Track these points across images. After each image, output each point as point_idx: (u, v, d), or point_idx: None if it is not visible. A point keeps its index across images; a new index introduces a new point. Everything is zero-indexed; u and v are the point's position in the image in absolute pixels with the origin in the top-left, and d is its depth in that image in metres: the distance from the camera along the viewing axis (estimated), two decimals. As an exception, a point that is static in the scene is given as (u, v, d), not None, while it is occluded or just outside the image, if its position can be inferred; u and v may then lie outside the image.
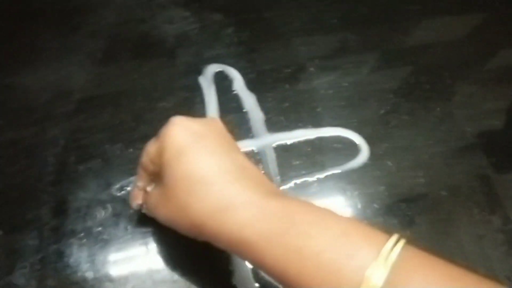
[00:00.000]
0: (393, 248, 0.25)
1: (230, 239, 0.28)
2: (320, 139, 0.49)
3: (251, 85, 0.51)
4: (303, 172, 0.47)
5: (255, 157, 0.47)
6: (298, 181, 0.46)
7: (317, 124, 0.50)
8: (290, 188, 0.46)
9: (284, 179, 0.46)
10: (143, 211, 0.37)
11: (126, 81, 0.50)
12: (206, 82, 0.51)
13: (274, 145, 0.48)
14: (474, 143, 0.50)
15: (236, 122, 0.48)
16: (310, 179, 0.46)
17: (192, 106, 0.49)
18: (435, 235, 0.45)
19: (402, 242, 0.26)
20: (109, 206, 0.41)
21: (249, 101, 0.50)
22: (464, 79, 0.55)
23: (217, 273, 0.39)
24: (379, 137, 0.50)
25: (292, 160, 0.47)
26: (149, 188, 0.36)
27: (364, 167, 0.48)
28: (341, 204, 0.46)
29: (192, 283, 0.38)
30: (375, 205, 0.46)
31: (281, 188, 0.45)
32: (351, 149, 0.49)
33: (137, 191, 0.36)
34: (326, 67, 0.54)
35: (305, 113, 0.50)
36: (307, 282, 0.25)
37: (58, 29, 0.53)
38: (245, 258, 0.30)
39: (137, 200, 0.36)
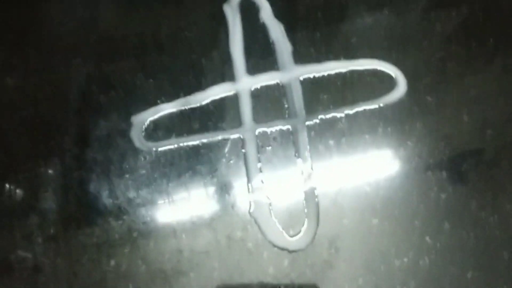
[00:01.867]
0: None
1: None
2: (352, 72, 0.45)
3: (280, 14, 0.47)
4: (331, 107, 0.44)
5: (280, 90, 0.44)
6: (325, 116, 0.43)
7: (351, 56, 0.46)
8: (316, 123, 0.43)
9: (310, 113, 0.43)
10: None
11: (150, 13, 0.48)
12: (232, 11, 0.48)
13: (301, 78, 0.45)
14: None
15: (261, 53, 0.46)
16: (338, 114, 0.43)
17: (217, 36, 0.47)
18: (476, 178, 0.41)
19: None
20: (129, 137, 0.41)
21: (276, 30, 0.47)
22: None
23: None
24: (420, 71, 0.45)
25: (320, 94, 0.44)
26: None
27: (400, 103, 0.44)
28: (370, 141, 0.43)
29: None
30: (409, 143, 0.42)
31: (306, 123, 0.43)
32: (387, 84, 0.45)
33: None
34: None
35: (338, 44, 0.46)
36: None
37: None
38: None
39: None
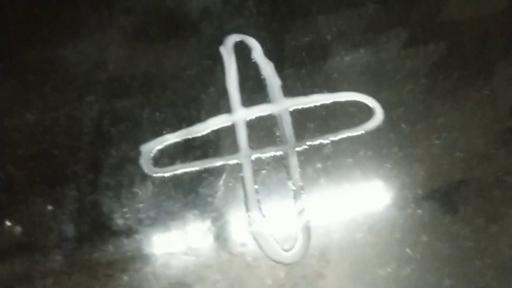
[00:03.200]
0: None
1: None
2: (335, 103, 0.51)
3: (269, 54, 0.54)
4: (317, 134, 0.49)
5: (272, 120, 0.50)
6: (312, 142, 0.49)
7: (333, 89, 0.52)
8: (304, 149, 0.48)
9: (299, 140, 0.49)
10: None
11: (155, 53, 0.54)
12: (227, 52, 0.54)
13: (290, 109, 0.50)
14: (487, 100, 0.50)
15: (254, 88, 0.51)
16: (324, 141, 0.49)
17: (214, 74, 0.52)
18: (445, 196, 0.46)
19: None
20: (137, 163, 0.46)
21: (267, 68, 0.53)
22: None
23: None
24: (394, 101, 0.51)
25: (307, 122, 0.50)
26: None
27: (378, 130, 0.49)
28: (353, 164, 0.48)
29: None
30: (388, 165, 0.48)
31: (296, 149, 0.48)
32: (366, 113, 0.50)
33: None
34: (343, 35, 0.55)
35: (321, 79, 0.52)
36: None
37: (95, 6, 0.58)
38: None
39: None
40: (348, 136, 0.49)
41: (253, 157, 0.48)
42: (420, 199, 0.47)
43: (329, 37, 0.55)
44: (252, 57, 0.53)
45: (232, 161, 0.47)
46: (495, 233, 0.45)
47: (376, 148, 0.49)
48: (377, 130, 0.49)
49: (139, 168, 0.45)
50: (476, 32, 0.55)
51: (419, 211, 0.46)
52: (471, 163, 0.48)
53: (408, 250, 0.45)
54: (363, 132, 0.49)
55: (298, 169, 0.47)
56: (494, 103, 0.51)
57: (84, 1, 0.55)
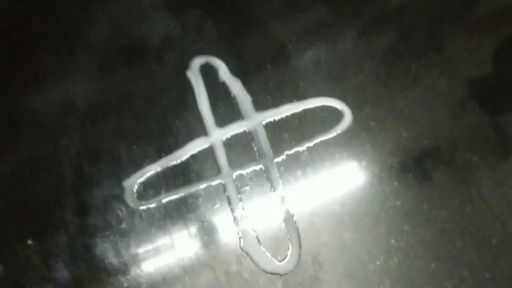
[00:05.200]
0: None
1: None
2: (305, 111, 0.53)
3: (236, 71, 0.55)
4: (293, 143, 0.51)
5: (248, 136, 0.51)
6: (289, 152, 0.50)
7: (301, 98, 0.54)
8: (283, 159, 0.50)
9: (276, 152, 0.50)
10: None
11: (123, 88, 0.54)
12: (194, 76, 0.55)
13: (263, 123, 0.52)
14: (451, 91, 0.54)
15: (226, 107, 0.53)
16: (300, 148, 0.51)
17: (185, 99, 0.53)
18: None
19: None
20: (123, 199, 0.46)
21: (235, 86, 0.54)
22: (437, 33, 0.58)
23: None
24: (361, 101, 0.53)
25: (282, 133, 0.51)
26: None
27: (349, 130, 0.52)
28: (331, 166, 0.50)
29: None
30: (363, 163, 0.50)
31: (275, 160, 0.50)
32: (336, 116, 0.53)
33: None
34: (302, 42, 0.57)
35: (289, 89, 0.54)
36: None
37: (56, 49, 0.57)
38: None
39: None
40: (322, 141, 0.51)
41: (235, 175, 0.49)
42: (398, 191, 0.49)
43: (290, 46, 0.57)
44: (219, 77, 0.55)
45: (215, 182, 0.48)
46: (470, 213, 0.48)
47: (350, 148, 0.51)
48: (349, 131, 0.52)
49: (125, 204, 0.46)
50: (422, 13, 0.58)
51: (398, 203, 0.49)
52: (439, 149, 0.51)
53: (393, 241, 0.47)
54: (335, 134, 0.51)
55: (280, 180, 0.49)
56: (452, 88, 0.54)
57: (41, 48, 0.55)
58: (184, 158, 0.49)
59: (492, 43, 0.58)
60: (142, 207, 0.46)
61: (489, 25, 0.60)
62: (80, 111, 0.52)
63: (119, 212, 0.45)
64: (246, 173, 0.49)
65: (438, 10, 0.60)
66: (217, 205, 0.47)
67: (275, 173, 0.49)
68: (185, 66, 0.56)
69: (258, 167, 0.50)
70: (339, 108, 0.53)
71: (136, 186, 0.47)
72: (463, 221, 0.48)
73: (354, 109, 0.52)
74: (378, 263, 0.46)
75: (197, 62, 0.56)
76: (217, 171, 0.49)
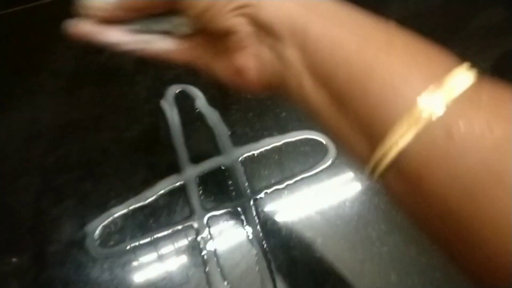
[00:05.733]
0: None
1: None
2: (287, 145, 0.49)
3: (214, 101, 0.51)
4: (273, 181, 0.47)
5: (224, 173, 0.47)
6: (269, 191, 0.47)
7: (283, 130, 0.50)
8: (261, 198, 0.46)
9: (254, 190, 0.46)
10: None
11: (91, 115, 0.51)
12: (169, 105, 0.51)
13: (241, 158, 0.48)
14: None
15: (201, 141, 0.49)
16: (280, 186, 0.47)
17: (157, 131, 0.50)
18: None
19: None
20: (85, 247, 0.43)
21: (212, 117, 0.50)
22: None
23: None
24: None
25: (261, 170, 0.48)
26: None
27: (333, 166, 0.48)
28: (313, 205, 0.46)
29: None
30: (347, 204, 0.46)
31: (252, 201, 0.46)
32: (319, 150, 0.49)
33: None
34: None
35: (270, 120, 0.51)
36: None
37: (20, 73, 0.54)
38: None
39: None
40: (303, 178, 0.47)
41: (208, 216, 0.45)
42: (384, 235, 0.45)
43: (272, 73, 0.53)
44: (196, 107, 0.51)
45: (187, 224, 0.45)
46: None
47: (334, 186, 0.47)
48: (333, 167, 0.48)
49: (87, 252, 0.42)
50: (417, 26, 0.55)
51: (385, 248, 0.45)
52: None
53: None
54: (318, 171, 0.48)
55: (257, 221, 0.45)
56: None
57: (5, 69, 0.51)
58: (153, 198, 0.46)
59: (486, 58, 0.54)
60: (104, 256, 0.42)
61: (484, 39, 0.57)
62: (43, 143, 0.48)
63: (80, 262, 0.42)
64: (221, 214, 0.46)
65: (433, 23, 0.57)
66: (190, 251, 0.44)
67: (251, 213, 0.46)
68: (159, 94, 0.52)
69: (233, 208, 0.46)
70: (323, 141, 0.49)
71: (98, 231, 0.43)
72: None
73: (339, 143, 0.49)
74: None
75: (172, 90, 0.52)
76: (189, 213, 0.45)
